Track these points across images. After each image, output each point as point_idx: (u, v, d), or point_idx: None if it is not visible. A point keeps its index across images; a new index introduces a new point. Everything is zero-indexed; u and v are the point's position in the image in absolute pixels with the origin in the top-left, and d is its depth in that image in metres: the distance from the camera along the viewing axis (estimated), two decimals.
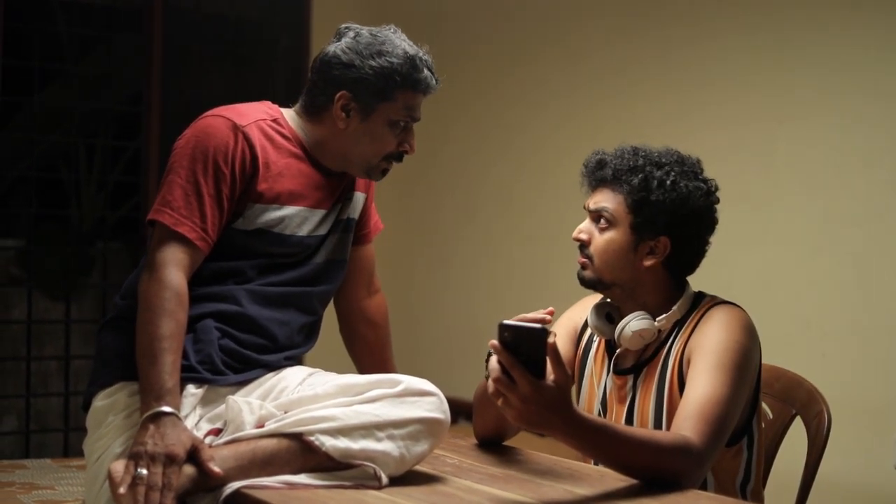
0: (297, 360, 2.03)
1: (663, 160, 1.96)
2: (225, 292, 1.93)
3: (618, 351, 2.01)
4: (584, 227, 2.00)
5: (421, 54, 2.00)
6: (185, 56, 4.80)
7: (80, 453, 2.14)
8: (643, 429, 1.89)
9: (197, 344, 1.88)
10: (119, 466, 1.65)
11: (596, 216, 1.98)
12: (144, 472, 1.63)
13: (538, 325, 1.56)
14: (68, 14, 4.96)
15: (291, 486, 1.69)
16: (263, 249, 1.96)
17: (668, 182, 1.93)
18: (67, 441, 4.67)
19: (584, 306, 2.12)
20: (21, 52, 4.57)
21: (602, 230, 1.97)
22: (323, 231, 2.03)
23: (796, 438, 2.15)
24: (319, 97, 2.00)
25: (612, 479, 1.76)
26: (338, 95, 1.97)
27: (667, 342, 1.96)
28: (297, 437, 1.72)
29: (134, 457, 1.66)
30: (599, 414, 2.02)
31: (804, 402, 2.14)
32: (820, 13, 3.34)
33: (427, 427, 1.78)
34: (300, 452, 1.72)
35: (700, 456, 1.72)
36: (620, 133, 2.57)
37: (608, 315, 2.00)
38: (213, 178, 1.89)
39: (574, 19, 4.21)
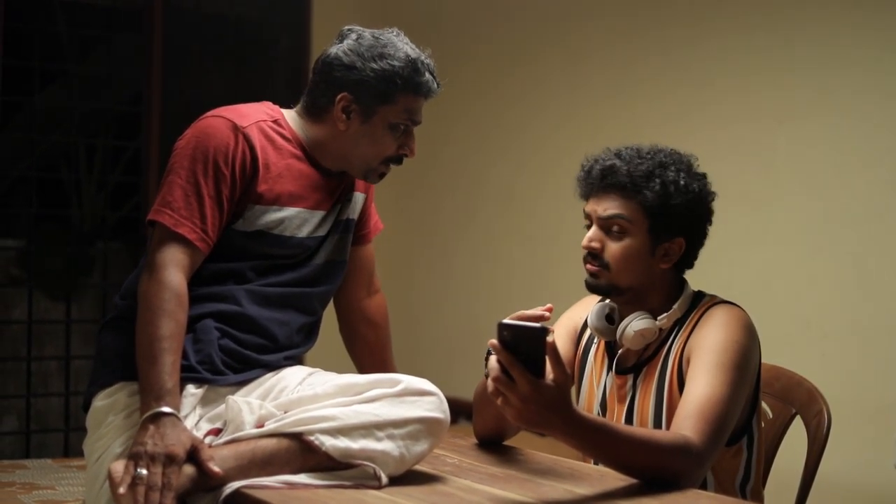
0: (296, 360, 2.03)
1: (665, 160, 1.95)
2: (225, 292, 1.93)
3: (619, 351, 2.01)
4: (595, 236, 1.95)
5: (423, 58, 1.99)
6: (185, 56, 4.80)
7: (80, 453, 2.14)
8: (643, 428, 1.89)
9: (197, 344, 1.88)
10: (119, 466, 1.65)
11: (608, 223, 1.93)
12: (144, 472, 1.63)
13: (537, 325, 1.56)
14: (69, 14, 4.96)
15: (291, 485, 1.69)
16: (263, 251, 1.96)
17: (682, 184, 1.92)
18: (68, 441, 4.67)
19: (584, 306, 2.11)
20: (21, 52, 4.57)
21: (617, 237, 1.93)
22: (323, 232, 2.03)
23: (796, 438, 2.15)
24: (320, 98, 2.00)
25: (612, 479, 1.76)
26: (339, 97, 1.97)
27: (667, 341, 1.95)
28: (297, 437, 1.72)
29: (134, 457, 1.66)
30: (599, 414, 2.02)
31: (804, 402, 2.14)
32: (820, 13, 3.34)
33: (427, 427, 1.78)
34: (300, 452, 1.72)
35: (700, 455, 1.72)
36: (620, 133, 2.57)
37: (608, 316, 1.99)
38: (214, 178, 1.88)
39: (574, 19, 4.21)
